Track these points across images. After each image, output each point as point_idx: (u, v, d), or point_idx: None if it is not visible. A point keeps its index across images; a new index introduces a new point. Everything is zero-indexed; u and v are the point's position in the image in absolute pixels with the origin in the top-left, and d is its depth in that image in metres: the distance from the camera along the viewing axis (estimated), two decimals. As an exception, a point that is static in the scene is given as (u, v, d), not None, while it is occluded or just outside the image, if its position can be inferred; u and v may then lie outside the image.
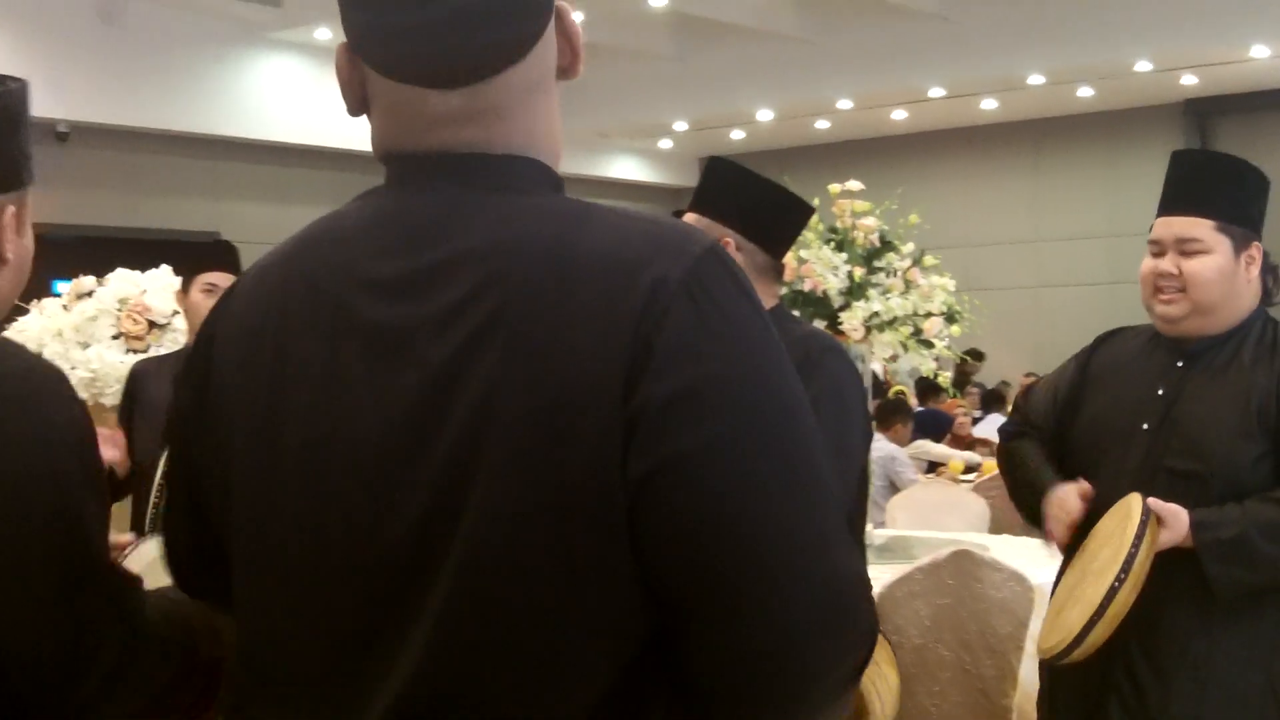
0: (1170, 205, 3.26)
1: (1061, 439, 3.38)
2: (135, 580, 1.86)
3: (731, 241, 3.43)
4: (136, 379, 4.69)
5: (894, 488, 8.10)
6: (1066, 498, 3.21)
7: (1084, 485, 3.21)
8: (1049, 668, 3.29)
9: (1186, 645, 3.08)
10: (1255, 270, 3.22)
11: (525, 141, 1.48)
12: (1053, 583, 3.36)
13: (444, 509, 1.34)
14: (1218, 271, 3.17)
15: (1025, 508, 3.43)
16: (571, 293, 1.33)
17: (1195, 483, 3.08)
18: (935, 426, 10.99)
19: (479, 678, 1.34)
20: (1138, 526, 2.93)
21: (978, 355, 13.96)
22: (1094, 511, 3.18)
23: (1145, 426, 3.20)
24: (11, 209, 1.91)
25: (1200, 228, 3.19)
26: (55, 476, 1.73)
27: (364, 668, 1.39)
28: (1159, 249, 3.24)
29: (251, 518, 1.47)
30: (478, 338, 1.34)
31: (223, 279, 4.54)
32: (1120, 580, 2.90)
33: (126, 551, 2.10)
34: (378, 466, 1.37)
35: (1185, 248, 3.20)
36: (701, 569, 1.31)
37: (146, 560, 2.02)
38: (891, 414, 9.36)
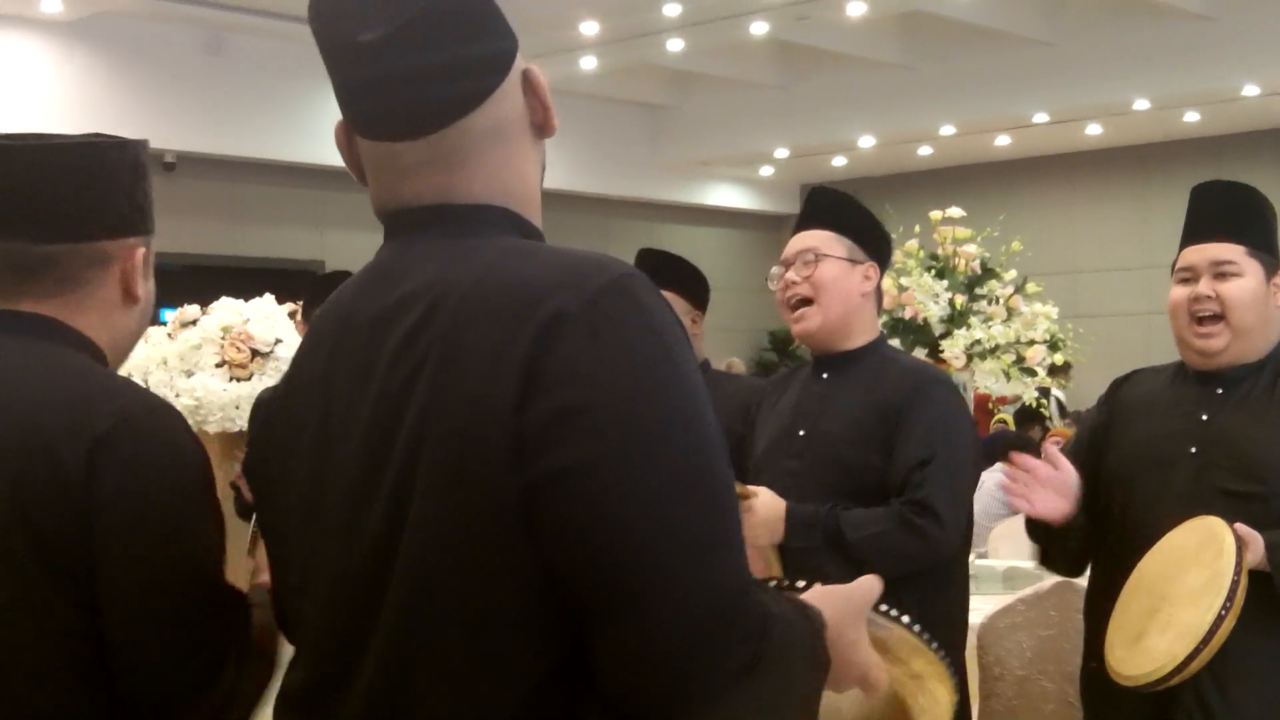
0: (1199, 233, 3.29)
1: (1093, 479, 3.35)
2: (244, 596, 2.04)
3: (875, 269, 3.44)
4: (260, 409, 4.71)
5: (1013, 513, 8.01)
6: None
7: (1047, 450, 3.28)
8: (1100, 686, 3.24)
9: (1252, 666, 3.07)
10: (1279, 299, 3.24)
11: (488, 188, 1.63)
12: (1087, 600, 3.34)
13: (391, 529, 1.49)
14: (1252, 295, 3.21)
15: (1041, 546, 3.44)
16: (485, 321, 1.47)
17: (1249, 503, 3.09)
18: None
19: (420, 684, 1.48)
20: (1236, 553, 2.91)
21: None
22: (1138, 534, 3.16)
23: (1193, 450, 3.21)
24: (142, 250, 2.10)
25: (1233, 251, 3.22)
26: (179, 498, 1.92)
27: (341, 680, 1.54)
28: (1191, 274, 3.26)
29: (283, 551, 1.70)
30: (418, 368, 1.49)
31: None
32: (1226, 609, 2.88)
33: None
34: (351, 494, 1.54)
35: (1220, 270, 3.23)
36: (585, 577, 1.43)
37: None
38: (1018, 448, 9.29)
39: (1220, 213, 3.26)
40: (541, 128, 1.68)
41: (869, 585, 1.70)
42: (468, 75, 1.60)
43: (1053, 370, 13.59)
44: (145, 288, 2.12)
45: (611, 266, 1.51)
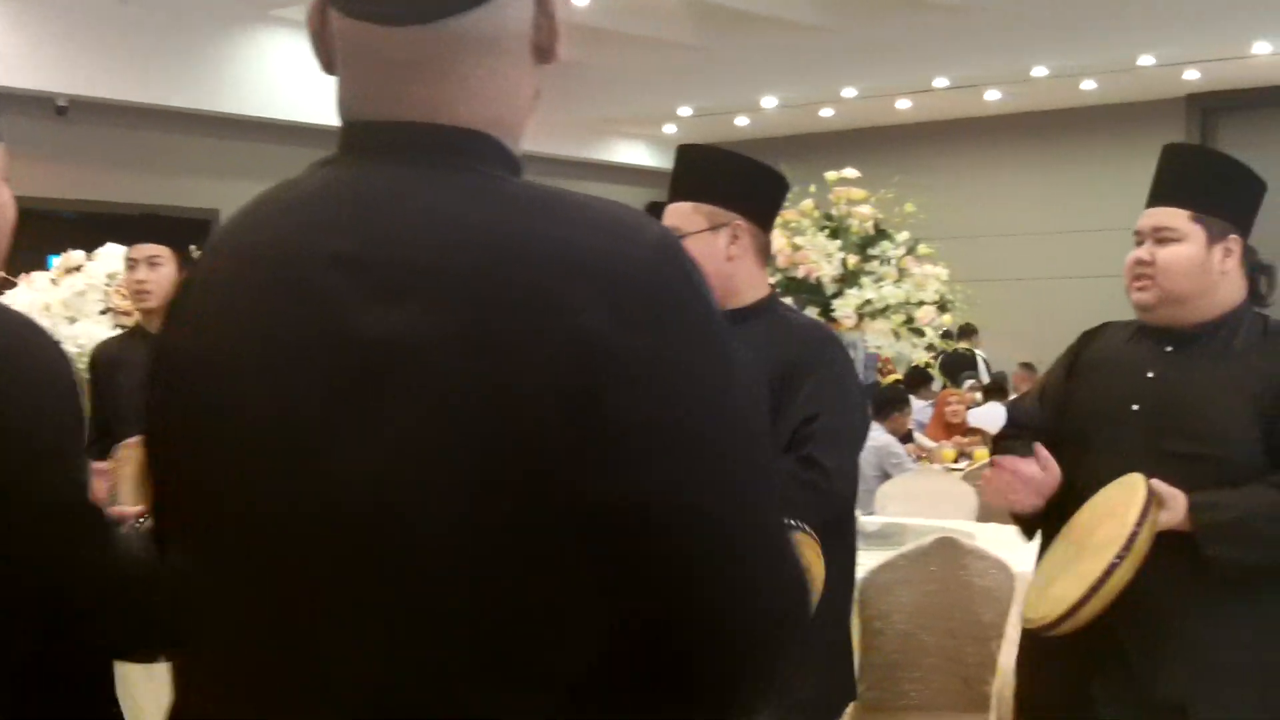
0: (1153, 197, 3.32)
1: (1053, 432, 3.39)
2: (116, 521, 1.97)
3: (744, 225, 3.42)
4: (98, 363, 4.73)
5: (887, 478, 8.08)
6: (1016, 463, 3.26)
7: (1040, 452, 3.26)
8: (1030, 644, 3.31)
9: (1177, 626, 3.10)
10: (1231, 262, 3.25)
11: (478, 110, 1.43)
12: (1037, 555, 3.38)
13: (387, 495, 1.30)
14: (1187, 260, 3.22)
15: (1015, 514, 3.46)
16: (514, 288, 1.29)
17: (1196, 465, 3.10)
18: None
19: (435, 675, 1.31)
20: (1142, 506, 2.95)
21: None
22: (1084, 489, 3.19)
23: (1135, 408, 3.23)
24: None
25: (1176, 217, 3.24)
26: (45, 418, 1.84)
27: (314, 669, 1.35)
28: (1140, 239, 3.29)
29: (209, 491, 1.43)
30: (414, 327, 1.30)
31: (138, 252, 4.77)
32: (1120, 558, 2.91)
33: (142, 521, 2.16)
34: (316, 437, 1.33)
35: (1160, 236, 3.25)
36: (654, 601, 1.31)
37: None
38: (889, 405, 9.33)
39: (1175, 177, 3.29)
40: (544, 50, 1.47)
41: None
42: None
43: (963, 333, 13.88)
44: None
45: (646, 229, 1.36)
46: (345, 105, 1.47)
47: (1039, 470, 3.26)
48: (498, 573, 1.29)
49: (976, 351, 14.39)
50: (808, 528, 1.93)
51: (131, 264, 4.67)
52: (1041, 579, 3.19)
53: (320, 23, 1.47)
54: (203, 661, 1.45)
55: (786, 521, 1.83)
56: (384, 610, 1.31)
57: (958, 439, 10.51)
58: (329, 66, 1.48)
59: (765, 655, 1.35)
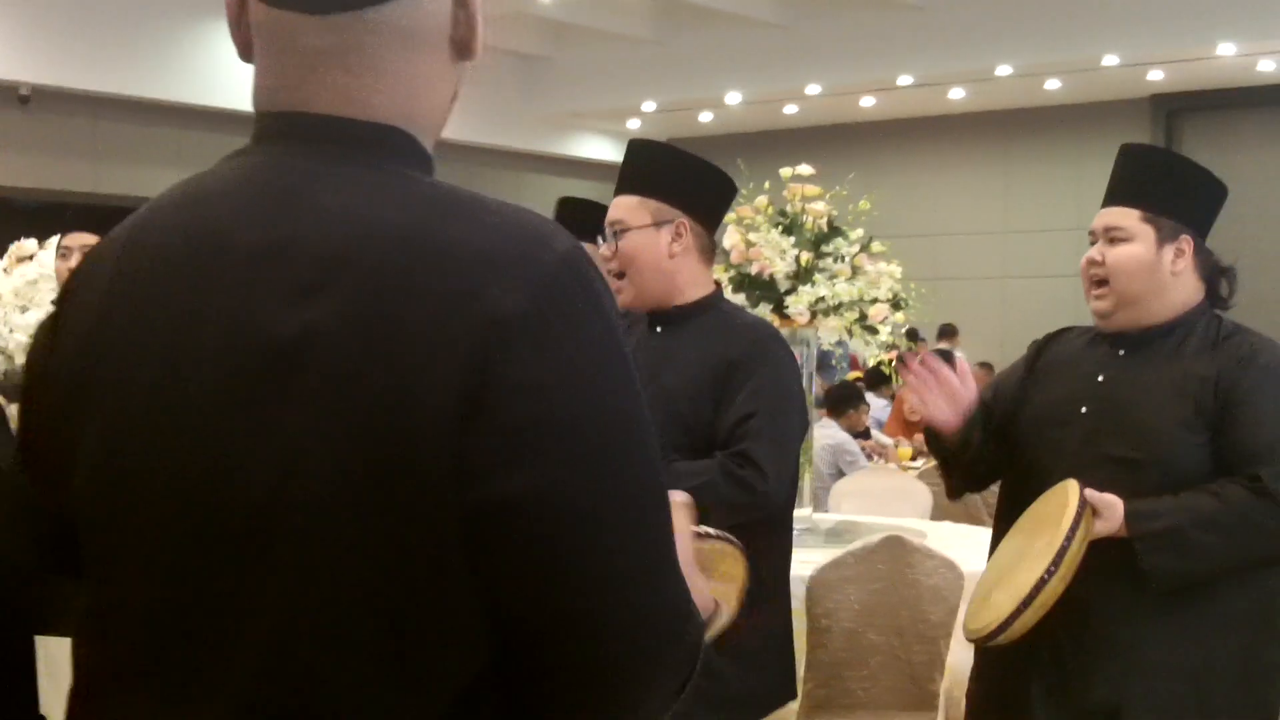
0: (1108, 197, 3.33)
1: (1007, 432, 3.39)
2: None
3: (688, 224, 3.43)
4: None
5: (842, 475, 8.08)
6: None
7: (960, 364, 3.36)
8: (978, 645, 3.33)
9: (1114, 632, 3.11)
10: (1184, 263, 3.24)
11: (393, 104, 1.42)
12: (988, 555, 3.39)
13: (279, 498, 1.29)
14: (1136, 260, 3.22)
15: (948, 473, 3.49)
16: (421, 287, 1.28)
17: (1134, 470, 3.11)
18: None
19: (317, 685, 1.30)
20: (1073, 518, 2.95)
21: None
22: (1035, 491, 3.20)
23: (1084, 410, 3.24)
24: None
25: (1127, 217, 3.25)
26: None
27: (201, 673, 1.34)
28: (1093, 239, 3.31)
29: (113, 484, 1.40)
30: (324, 323, 1.29)
31: (72, 240, 4.73)
32: (1050, 573, 2.92)
33: None
34: (216, 430, 1.32)
35: (1110, 236, 3.26)
36: (531, 605, 1.30)
37: None
38: (845, 401, 9.31)
39: (1129, 177, 3.30)
40: (463, 46, 1.45)
41: (685, 526, 1.60)
42: None
43: (943, 333, 13.91)
44: None
45: (554, 239, 1.34)
46: (260, 94, 1.46)
47: (955, 381, 3.30)
48: (384, 572, 1.28)
49: (956, 352, 14.45)
50: (732, 537, 1.92)
51: (65, 252, 4.67)
52: (984, 586, 3.20)
53: (238, 10, 1.46)
54: (95, 646, 1.43)
55: (708, 531, 1.84)
56: (269, 604, 1.30)
57: (917, 437, 10.53)
58: (245, 54, 1.47)
59: (643, 669, 1.34)
